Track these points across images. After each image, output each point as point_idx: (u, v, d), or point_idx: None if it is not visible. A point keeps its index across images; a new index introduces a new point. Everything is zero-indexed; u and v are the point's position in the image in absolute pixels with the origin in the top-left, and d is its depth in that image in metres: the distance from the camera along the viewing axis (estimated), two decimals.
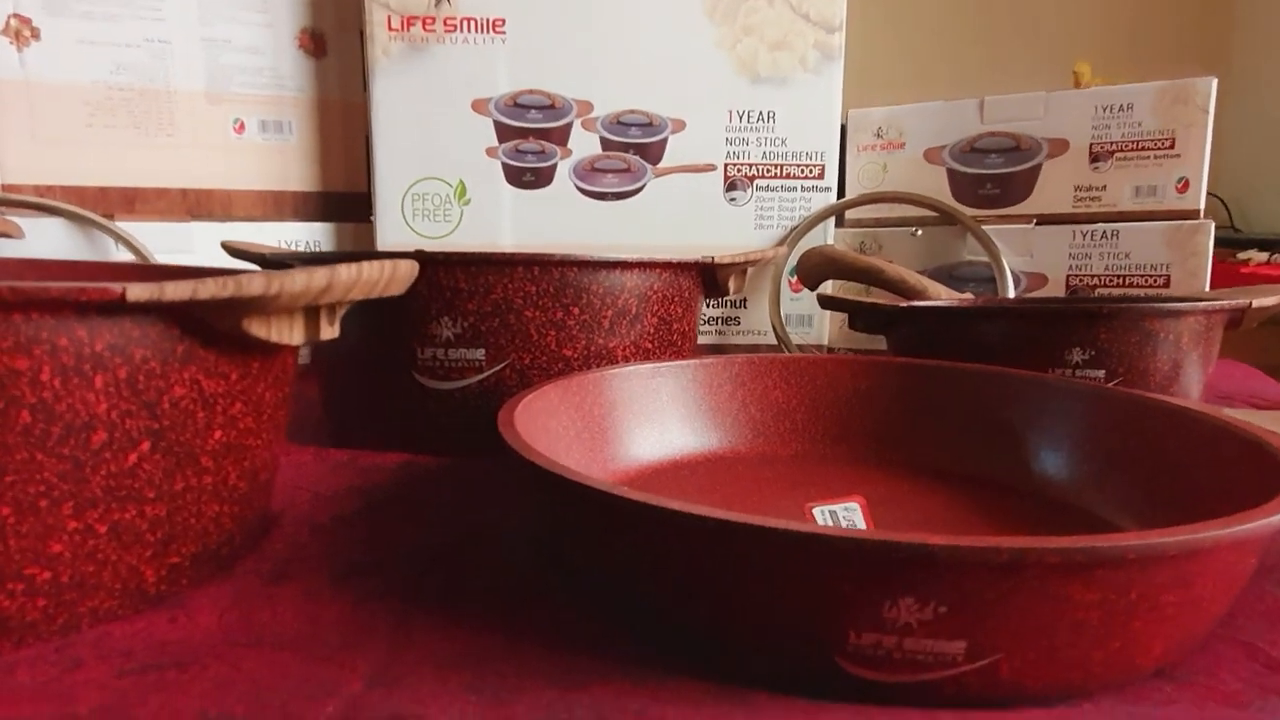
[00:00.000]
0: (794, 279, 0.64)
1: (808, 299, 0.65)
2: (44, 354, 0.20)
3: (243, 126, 0.63)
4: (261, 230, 0.63)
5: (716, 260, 0.43)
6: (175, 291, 0.20)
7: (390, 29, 0.60)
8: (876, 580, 0.17)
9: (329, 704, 0.18)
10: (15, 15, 0.57)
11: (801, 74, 0.62)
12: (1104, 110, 0.60)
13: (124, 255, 0.59)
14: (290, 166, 0.65)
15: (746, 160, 0.63)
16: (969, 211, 0.64)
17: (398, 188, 0.63)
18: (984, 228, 0.62)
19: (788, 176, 0.63)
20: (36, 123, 0.58)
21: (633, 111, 0.62)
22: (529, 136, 0.62)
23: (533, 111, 0.62)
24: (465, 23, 0.61)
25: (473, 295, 0.37)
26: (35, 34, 0.57)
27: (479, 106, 0.62)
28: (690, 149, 0.63)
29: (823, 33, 0.62)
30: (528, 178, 0.63)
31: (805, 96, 0.62)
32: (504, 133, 0.62)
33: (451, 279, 0.37)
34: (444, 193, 0.63)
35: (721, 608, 0.20)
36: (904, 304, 0.49)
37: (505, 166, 0.63)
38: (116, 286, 0.20)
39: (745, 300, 0.65)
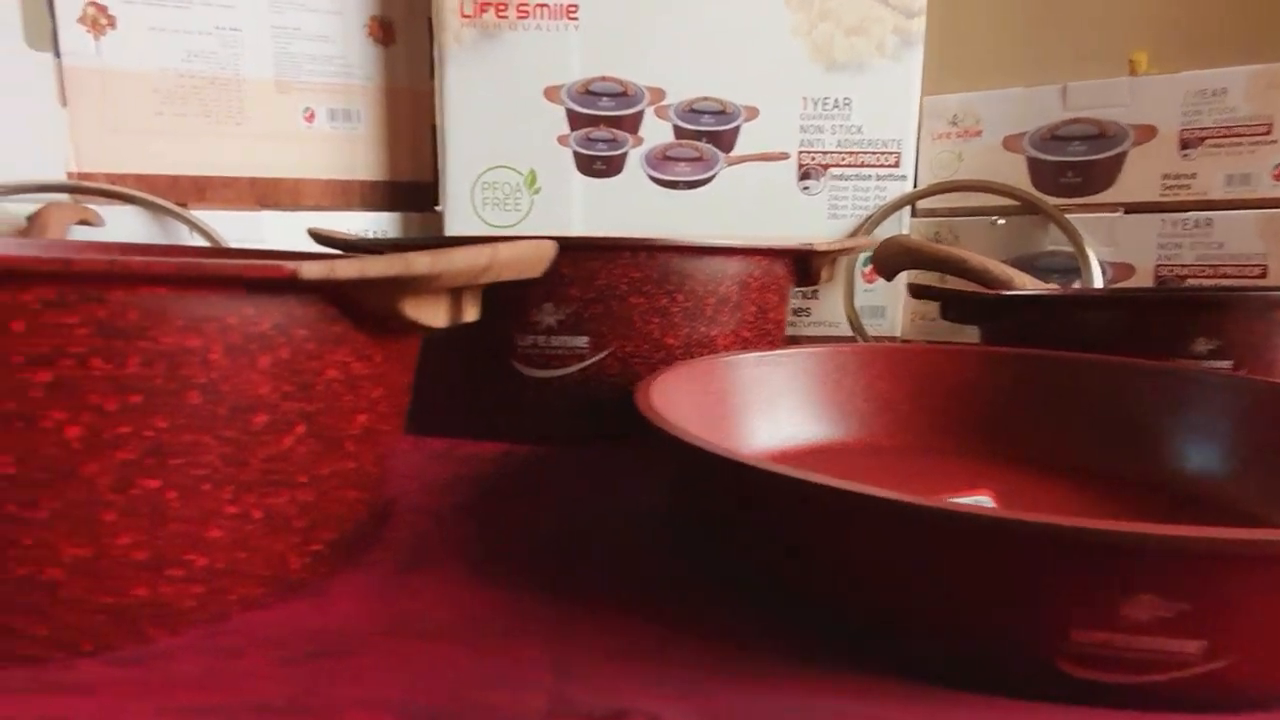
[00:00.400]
0: (867, 269, 0.63)
1: (881, 290, 0.64)
2: (215, 332, 0.19)
3: (313, 115, 0.63)
4: (329, 220, 0.63)
5: (815, 247, 0.42)
6: (345, 269, 0.20)
7: (463, 15, 0.60)
8: (1116, 574, 0.16)
9: (532, 696, 0.18)
10: (93, 3, 0.56)
11: (879, 60, 0.61)
12: (1195, 95, 0.58)
13: (198, 243, 0.58)
14: (358, 155, 0.65)
15: (820, 148, 0.62)
16: (1051, 201, 0.62)
17: (467, 176, 0.62)
18: (1066, 217, 0.61)
19: (862, 165, 0.62)
20: (110, 111, 0.58)
21: (705, 99, 0.61)
22: (600, 124, 0.62)
23: (605, 99, 0.61)
24: (538, 9, 0.60)
25: (576, 281, 0.36)
26: (111, 22, 0.57)
27: (551, 94, 0.61)
28: (763, 137, 0.62)
29: (902, 17, 0.60)
30: (599, 166, 0.62)
31: (882, 83, 0.61)
32: (575, 121, 0.61)
33: (555, 264, 0.36)
34: (514, 181, 0.62)
35: (930, 603, 0.19)
36: (1008, 292, 0.48)
37: (576, 155, 0.62)
38: (289, 264, 0.19)
39: (816, 291, 0.64)
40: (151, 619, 0.20)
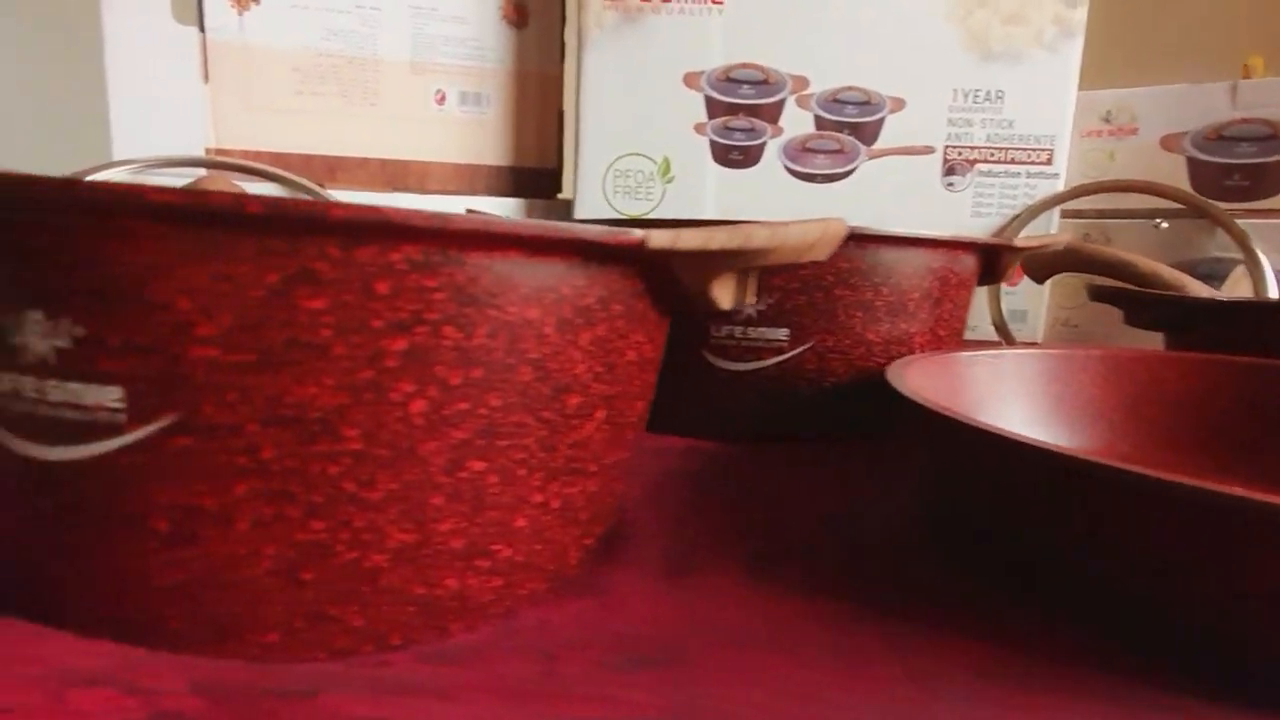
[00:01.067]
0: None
1: (1023, 293, 0.61)
2: (551, 304, 0.18)
3: (443, 98, 0.62)
4: (456, 204, 0.62)
5: (1013, 242, 0.40)
6: (689, 240, 0.18)
7: None
8: None
9: (933, 711, 0.16)
10: None
11: (1036, 51, 0.58)
12: None
13: None
14: (485, 140, 0.64)
15: (968, 143, 0.59)
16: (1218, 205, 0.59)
17: (600, 163, 0.60)
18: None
19: (1012, 161, 0.59)
20: (250, 88, 0.58)
21: (850, 89, 0.59)
22: (739, 113, 0.60)
23: (745, 87, 0.59)
24: None
25: (780, 269, 0.35)
26: None
27: (690, 81, 0.59)
28: (908, 130, 0.59)
29: (1064, 6, 0.57)
30: (735, 156, 0.60)
31: (1038, 75, 0.58)
32: (714, 108, 0.60)
33: None
34: (648, 169, 0.61)
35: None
36: (1223, 298, 0.45)
37: (713, 144, 0.60)
38: (636, 232, 0.17)
39: None
40: (454, 612, 0.19)
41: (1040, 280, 0.57)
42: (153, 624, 0.16)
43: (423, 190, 0.62)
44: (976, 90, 0.58)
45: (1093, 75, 0.65)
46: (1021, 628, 0.20)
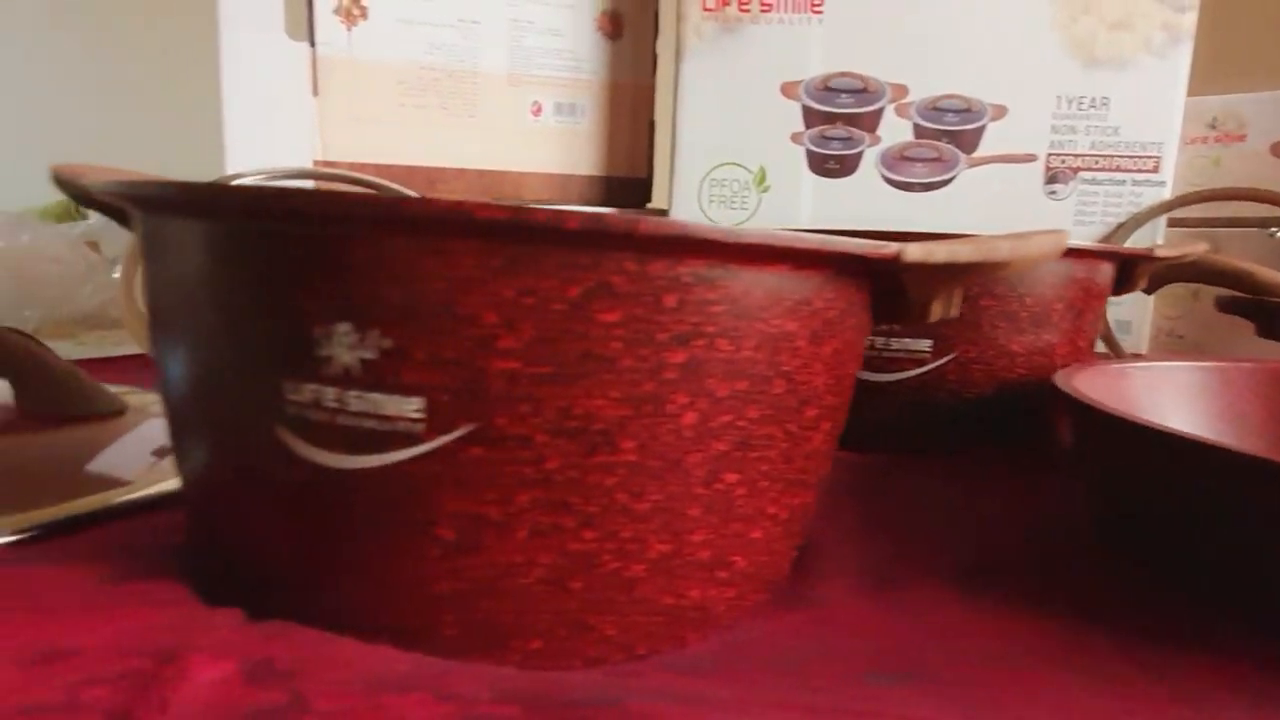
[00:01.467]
0: None
1: (1129, 303, 0.60)
2: (806, 316, 0.18)
3: (539, 109, 0.63)
4: None
5: (1154, 251, 0.39)
6: (940, 253, 0.18)
7: (705, 9, 0.59)
8: None
9: None
10: None
11: (1143, 57, 0.57)
12: None
13: None
14: (579, 150, 0.65)
15: (1072, 150, 0.58)
16: None
17: (696, 173, 0.61)
18: None
19: (1117, 169, 0.58)
20: (356, 101, 0.59)
21: (950, 96, 0.58)
22: (837, 122, 0.59)
23: (844, 95, 0.59)
24: (782, 1, 0.58)
25: None
26: (363, 13, 0.58)
27: (788, 90, 0.59)
28: (1009, 137, 0.59)
29: (1172, 12, 0.56)
30: (831, 165, 0.60)
31: (1145, 82, 0.57)
32: (811, 118, 0.59)
33: None
34: (743, 179, 0.61)
35: None
36: None
37: (809, 153, 0.60)
38: (891, 245, 0.17)
39: None
40: (693, 623, 0.19)
41: (1151, 290, 0.56)
42: (428, 630, 0.17)
43: (518, 200, 0.63)
44: (1081, 97, 0.58)
45: (1198, 81, 0.64)
46: (1237, 640, 0.20)
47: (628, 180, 0.66)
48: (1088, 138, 0.58)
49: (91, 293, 0.75)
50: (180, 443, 0.20)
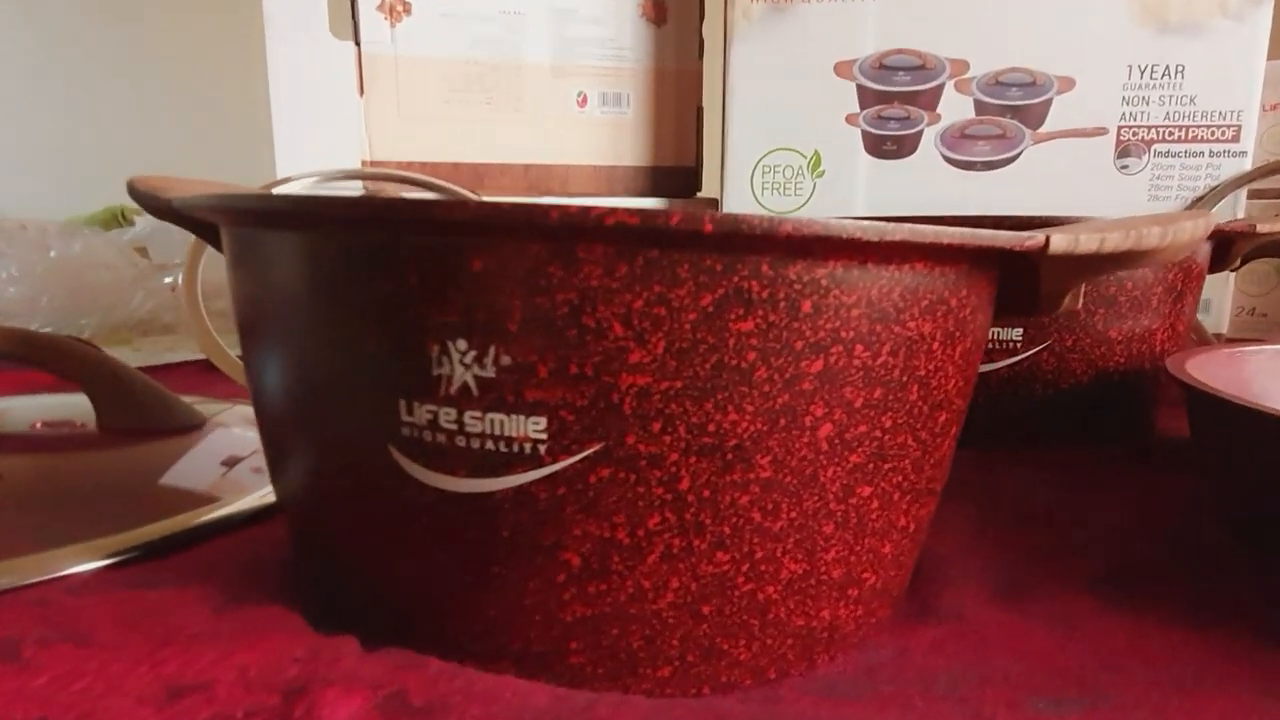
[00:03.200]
0: None
1: (1209, 281, 0.57)
2: (941, 317, 0.16)
3: (585, 100, 0.62)
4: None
5: (1260, 227, 0.37)
6: (1088, 242, 0.17)
7: None
8: None
9: None
10: None
11: (1220, 21, 0.54)
12: None
13: None
14: (624, 141, 0.63)
15: (1145, 122, 0.56)
16: None
17: (748, 160, 0.59)
18: None
19: (1193, 140, 0.55)
20: (402, 99, 0.58)
21: (1014, 70, 0.56)
22: (894, 101, 0.57)
23: (901, 74, 0.57)
24: None
25: None
26: (407, 9, 0.57)
27: (842, 70, 0.57)
28: (1078, 111, 0.56)
29: None
30: (888, 146, 0.58)
31: (1222, 47, 0.54)
32: (867, 98, 0.57)
33: None
34: (797, 164, 0.59)
35: None
36: None
37: (865, 135, 0.58)
38: (1036, 235, 0.16)
39: None
40: (822, 644, 0.18)
41: (1239, 267, 0.53)
42: (554, 658, 0.16)
43: (564, 193, 0.62)
44: (1154, 65, 0.55)
45: (1275, 45, 0.61)
46: None
47: (676, 169, 0.65)
48: (1162, 108, 0.55)
49: (143, 298, 0.76)
50: (280, 461, 0.19)
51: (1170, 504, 0.28)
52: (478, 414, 0.15)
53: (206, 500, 0.26)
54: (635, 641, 0.16)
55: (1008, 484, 0.30)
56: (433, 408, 0.15)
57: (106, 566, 0.21)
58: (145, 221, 0.92)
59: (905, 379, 0.16)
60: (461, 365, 0.14)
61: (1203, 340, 0.56)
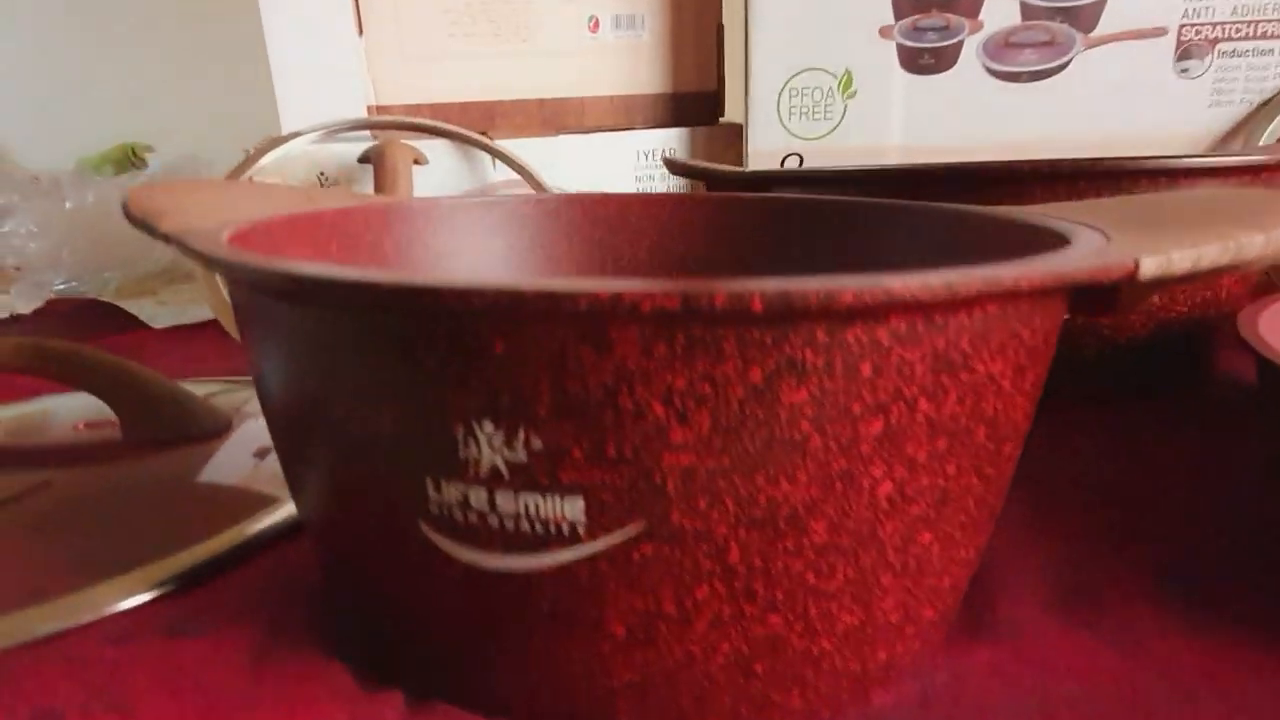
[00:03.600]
0: None
1: None
2: (1011, 352, 0.15)
3: (597, 24, 0.58)
4: (619, 141, 0.59)
5: None
6: (1181, 262, 0.15)
7: None
8: None
9: None
10: None
11: None
12: None
13: (502, 175, 0.56)
14: (641, 66, 0.59)
15: (1208, 19, 0.51)
16: None
17: (774, 83, 0.55)
18: None
19: (1263, 36, 0.51)
20: (403, 37, 0.55)
21: None
22: (932, 9, 0.53)
23: None
24: None
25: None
26: None
27: None
28: (1134, 10, 0.51)
29: None
30: (926, 60, 0.54)
31: None
32: (902, 7, 0.53)
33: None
34: (826, 85, 0.55)
35: None
36: None
37: (900, 48, 0.54)
38: (1124, 259, 0.14)
39: None
40: (878, 681, 0.17)
41: None
42: (602, 719, 0.16)
43: (581, 128, 0.59)
44: None
45: None
46: None
47: (697, 95, 0.61)
48: (1229, 2, 0.50)
49: (164, 247, 0.75)
50: (311, 515, 0.18)
51: (1238, 475, 0.27)
52: (510, 494, 0.14)
53: (243, 498, 0.26)
54: (685, 701, 0.15)
55: (1065, 456, 0.29)
56: (462, 487, 0.14)
57: (146, 602, 0.21)
58: (158, 161, 0.90)
59: (972, 424, 0.15)
60: (489, 448, 0.13)
61: (1277, 279, 0.52)
